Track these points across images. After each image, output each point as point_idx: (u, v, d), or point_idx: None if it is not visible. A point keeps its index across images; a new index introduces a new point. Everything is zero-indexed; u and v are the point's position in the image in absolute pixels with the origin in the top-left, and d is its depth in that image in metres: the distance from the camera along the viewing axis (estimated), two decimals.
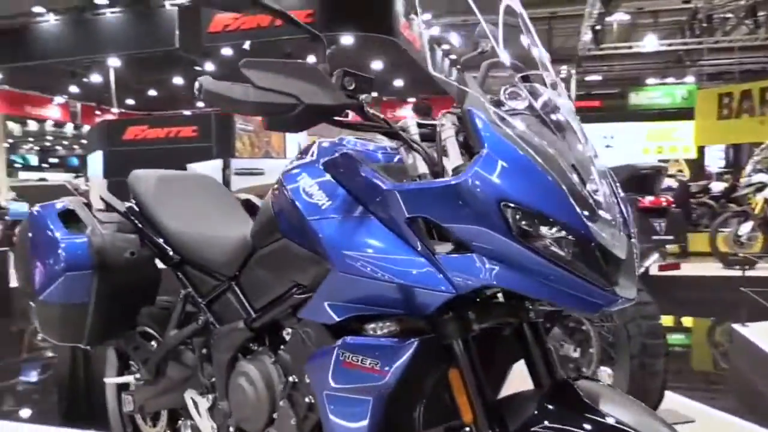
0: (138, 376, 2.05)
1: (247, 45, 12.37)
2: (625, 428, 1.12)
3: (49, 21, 11.95)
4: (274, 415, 1.56)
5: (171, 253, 1.92)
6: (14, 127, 24.60)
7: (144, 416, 2.18)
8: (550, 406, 1.20)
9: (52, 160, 33.64)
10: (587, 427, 1.13)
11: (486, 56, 1.42)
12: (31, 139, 29.66)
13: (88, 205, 2.03)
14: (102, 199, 2.06)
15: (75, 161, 31.01)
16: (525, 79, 1.30)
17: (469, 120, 1.21)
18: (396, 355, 1.24)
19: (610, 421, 1.13)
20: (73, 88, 19.68)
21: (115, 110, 21.67)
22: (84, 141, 22.19)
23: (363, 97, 1.26)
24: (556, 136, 1.20)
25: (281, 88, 1.17)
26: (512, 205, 1.11)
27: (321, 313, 1.36)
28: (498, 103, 1.23)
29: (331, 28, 10.89)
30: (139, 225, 1.99)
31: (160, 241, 1.94)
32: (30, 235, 1.98)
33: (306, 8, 10.39)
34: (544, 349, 1.32)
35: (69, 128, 25.45)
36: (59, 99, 20.67)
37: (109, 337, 2.08)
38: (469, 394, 1.25)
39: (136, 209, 2.03)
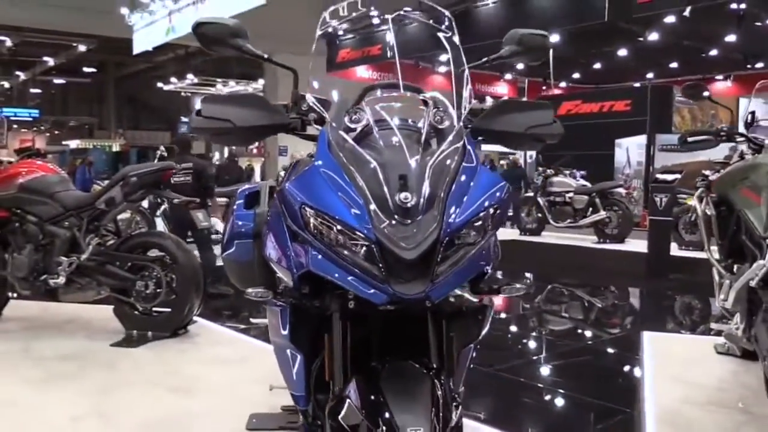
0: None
1: (687, 12, 11.36)
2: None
3: (488, 5, 12.98)
4: None
5: None
6: None
7: None
8: (363, 386, 1.38)
9: None
10: (374, 411, 1.31)
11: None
12: None
13: (273, 188, 2.36)
14: (281, 177, 2.38)
15: None
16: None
17: (318, 138, 1.57)
18: (280, 317, 1.61)
19: (383, 421, 1.28)
20: (520, 65, 20.82)
21: (562, 84, 22.24)
22: None
23: (311, 115, 1.69)
24: (394, 151, 1.43)
25: (219, 115, 1.57)
26: (309, 209, 1.38)
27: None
28: (348, 128, 1.51)
29: None
30: None
31: None
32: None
33: None
34: (437, 336, 1.50)
35: None
36: (508, 76, 22.17)
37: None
38: (332, 359, 1.49)
39: None
